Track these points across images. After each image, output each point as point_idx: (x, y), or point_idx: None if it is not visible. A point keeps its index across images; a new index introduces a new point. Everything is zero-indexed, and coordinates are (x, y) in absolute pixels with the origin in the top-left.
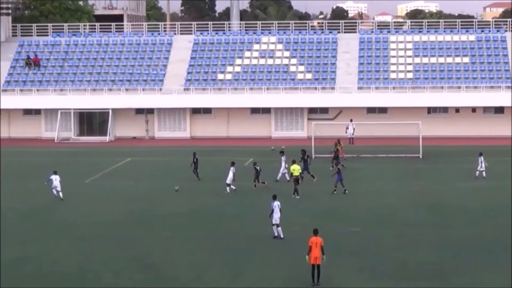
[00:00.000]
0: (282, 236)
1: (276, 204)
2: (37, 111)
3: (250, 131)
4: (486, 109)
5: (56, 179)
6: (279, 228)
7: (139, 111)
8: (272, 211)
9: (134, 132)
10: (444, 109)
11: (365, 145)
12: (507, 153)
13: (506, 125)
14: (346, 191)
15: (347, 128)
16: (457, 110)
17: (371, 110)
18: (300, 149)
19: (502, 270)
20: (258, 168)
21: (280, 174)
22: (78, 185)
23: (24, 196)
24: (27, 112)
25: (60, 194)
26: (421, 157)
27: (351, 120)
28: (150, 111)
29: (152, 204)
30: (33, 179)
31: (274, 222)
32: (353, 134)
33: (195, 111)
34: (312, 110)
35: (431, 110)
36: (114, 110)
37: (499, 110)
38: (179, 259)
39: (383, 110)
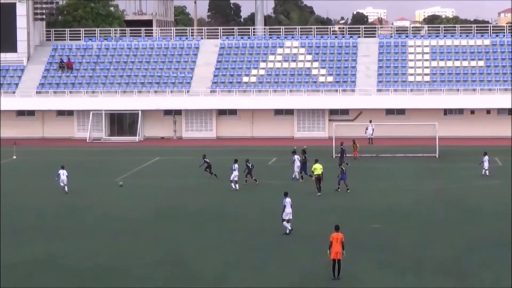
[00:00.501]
0: (287, 231)
1: (288, 200)
2: (70, 112)
3: (274, 131)
4: (500, 111)
5: (63, 174)
6: (289, 224)
7: (167, 112)
8: (284, 207)
9: (162, 133)
10: (460, 111)
11: (384, 145)
12: None
13: None
14: (348, 190)
15: (366, 128)
16: (472, 111)
17: (389, 111)
18: (302, 149)
19: None
20: (250, 165)
21: (295, 173)
22: (108, 183)
23: (57, 194)
24: (60, 113)
25: (66, 188)
26: (437, 156)
27: (370, 121)
28: (177, 112)
29: (180, 201)
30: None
31: (284, 217)
32: (372, 134)
33: (221, 112)
34: (333, 112)
35: (447, 111)
36: (143, 111)
37: None
38: (206, 255)
39: (401, 112)
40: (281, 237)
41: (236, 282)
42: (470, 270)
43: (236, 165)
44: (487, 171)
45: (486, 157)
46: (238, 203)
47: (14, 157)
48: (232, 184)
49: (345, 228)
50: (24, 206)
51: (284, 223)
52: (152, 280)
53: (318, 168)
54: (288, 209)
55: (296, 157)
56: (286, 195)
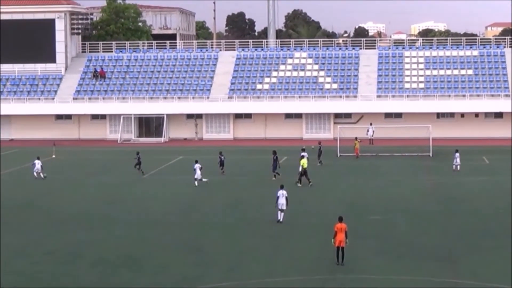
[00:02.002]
0: (280, 219)
1: (281, 192)
2: (103, 116)
3: (285, 133)
4: (487, 114)
5: (38, 163)
6: (282, 214)
7: (190, 116)
8: (277, 198)
9: (185, 134)
10: (451, 114)
11: (383, 145)
12: (506, 152)
13: (504, 128)
14: (311, 184)
15: (367, 130)
16: (462, 115)
17: (388, 115)
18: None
19: (502, 252)
20: (222, 157)
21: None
22: (137, 179)
23: (92, 188)
24: (94, 117)
25: (41, 174)
26: (431, 155)
27: (371, 124)
28: (199, 116)
29: (201, 196)
30: (100, 174)
31: (279, 207)
32: (372, 136)
33: (238, 116)
34: (337, 115)
35: (440, 115)
36: (168, 115)
37: (499, 115)
38: (222, 244)
39: (398, 115)
40: (289, 227)
41: (249, 267)
42: (459, 256)
43: (196, 165)
44: (458, 166)
45: (457, 154)
46: (252, 196)
47: (54, 156)
48: (196, 182)
49: (347, 219)
50: (64, 199)
51: (278, 212)
52: (174, 266)
53: (305, 163)
54: (281, 200)
55: (305, 154)
56: (281, 187)
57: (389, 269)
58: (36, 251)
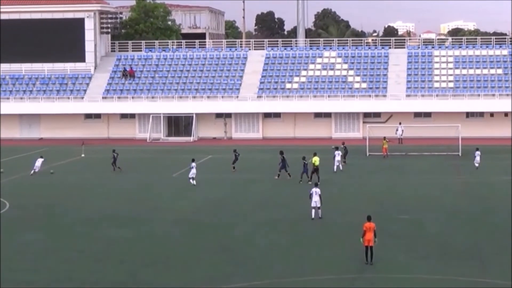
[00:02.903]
0: (312, 217)
1: (314, 190)
2: (132, 115)
3: (314, 132)
4: None
5: (38, 161)
6: (319, 210)
7: (219, 115)
8: (311, 195)
9: (214, 133)
10: (481, 114)
11: (412, 145)
12: None
13: None
14: (301, 182)
15: (396, 130)
16: (491, 114)
17: (417, 114)
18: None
19: None
20: (237, 154)
21: (335, 166)
22: (166, 178)
23: (121, 187)
24: (124, 116)
25: (37, 170)
26: (460, 155)
27: (400, 123)
28: (228, 115)
29: (230, 195)
30: (129, 173)
31: (312, 205)
32: (402, 135)
33: (267, 115)
34: (366, 115)
35: (469, 114)
36: (197, 114)
37: None
38: (252, 241)
39: (427, 115)
40: (319, 226)
41: (278, 267)
42: (489, 256)
43: (193, 164)
44: (477, 164)
45: (478, 152)
46: (281, 195)
47: (83, 155)
48: (191, 181)
49: (377, 218)
50: (93, 198)
51: (312, 210)
52: (203, 265)
53: (317, 160)
54: (315, 198)
55: (337, 152)
56: (316, 185)
57: (418, 269)
58: (66, 249)
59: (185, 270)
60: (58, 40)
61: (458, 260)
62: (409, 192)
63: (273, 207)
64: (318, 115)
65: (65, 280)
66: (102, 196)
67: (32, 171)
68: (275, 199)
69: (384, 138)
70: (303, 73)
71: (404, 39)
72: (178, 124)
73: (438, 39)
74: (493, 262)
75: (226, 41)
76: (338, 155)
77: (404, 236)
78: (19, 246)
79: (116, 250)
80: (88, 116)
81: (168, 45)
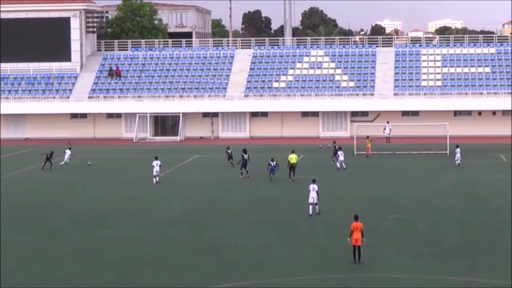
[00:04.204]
0: (310, 213)
1: (311, 186)
2: (118, 115)
3: (301, 131)
4: (504, 112)
5: (67, 153)
6: (316, 206)
7: (206, 114)
8: (309, 191)
9: (201, 133)
10: (468, 112)
11: (400, 144)
12: None
13: None
14: (271, 180)
15: (384, 129)
16: (479, 113)
17: (405, 113)
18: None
19: None
20: (229, 151)
21: (338, 165)
22: (152, 180)
23: (108, 187)
24: (110, 115)
25: (67, 161)
26: (448, 153)
27: (387, 122)
28: (215, 114)
29: (219, 195)
30: (116, 173)
31: (309, 201)
32: (389, 134)
33: (254, 114)
34: (354, 114)
35: (457, 113)
36: (184, 114)
37: None
38: (242, 241)
39: (415, 113)
40: (308, 226)
41: (268, 266)
42: (479, 255)
43: (156, 162)
44: (458, 161)
45: (458, 149)
46: (270, 195)
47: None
48: (154, 179)
49: (366, 217)
50: (80, 198)
51: (310, 206)
52: (193, 265)
53: (292, 158)
54: (312, 194)
55: (340, 152)
56: (313, 181)
57: (408, 268)
58: (55, 250)
59: (174, 270)
60: (43, 40)
61: (449, 259)
62: (398, 192)
63: (262, 207)
64: (305, 114)
65: (52, 282)
66: (89, 196)
67: (62, 163)
68: (263, 199)
69: (367, 137)
70: (290, 72)
71: (392, 38)
72: (164, 124)
73: (425, 37)
74: (484, 261)
75: (213, 40)
76: (341, 155)
77: (394, 235)
78: (6, 247)
79: (105, 251)
80: (74, 116)
81: (154, 44)
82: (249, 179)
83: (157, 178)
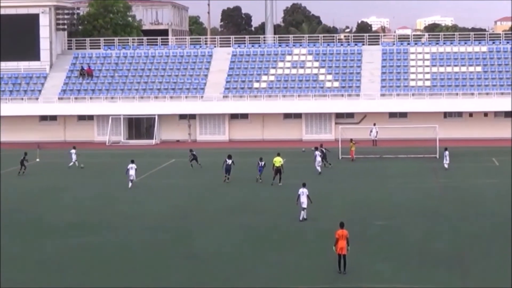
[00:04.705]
0: (300, 218)
1: (301, 191)
2: (90, 117)
3: (283, 134)
4: (497, 114)
5: (74, 153)
6: (305, 211)
7: (182, 116)
8: (298, 196)
9: (177, 136)
10: (459, 114)
11: (387, 147)
12: None
13: None
14: (260, 180)
15: (370, 131)
16: (470, 114)
17: (392, 114)
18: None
19: None
20: (194, 153)
21: (318, 168)
22: (128, 183)
23: (80, 193)
24: (81, 118)
25: (76, 163)
26: (438, 157)
27: (374, 124)
28: (192, 116)
29: (197, 200)
30: (89, 179)
31: (302, 206)
32: (376, 136)
33: (233, 116)
34: (339, 115)
35: (447, 114)
36: (159, 115)
37: (509, 114)
38: (222, 248)
39: (403, 115)
40: (291, 233)
41: (248, 276)
42: (469, 263)
43: (131, 165)
44: (446, 165)
45: (447, 153)
46: (250, 201)
47: (38, 159)
48: (130, 183)
49: (352, 225)
50: (51, 205)
51: (301, 211)
52: (169, 276)
53: (277, 161)
54: (302, 199)
55: (317, 153)
56: (303, 185)
57: (396, 277)
58: (26, 259)
59: (152, 279)
60: (10, 37)
61: (438, 268)
62: (386, 197)
63: (244, 213)
64: (287, 115)
65: None
66: (62, 202)
67: (71, 163)
68: (244, 204)
69: (351, 140)
70: (272, 71)
71: (378, 35)
72: (139, 126)
73: (414, 35)
74: (475, 270)
75: (190, 38)
76: (318, 156)
77: (381, 243)
78: None
79: (80, 259)
80: (44, 118)
81: (128, 42)
82: (231, 184)
83: (132, 183)
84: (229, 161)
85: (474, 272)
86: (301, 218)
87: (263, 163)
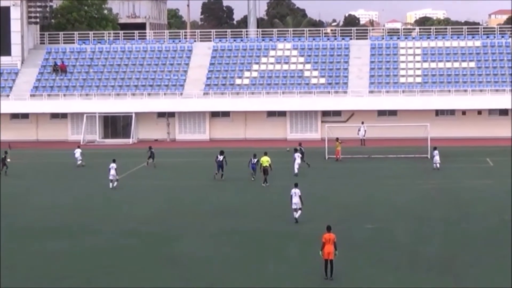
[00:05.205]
0: (297, 218)
1: (294, 191)
2: (64, 115)
3: (267, 133)
4: (491, 112)
5: (77, 152)
6: (298, 212)
7: (161, 114)
8: (291, 197)
9: (156, 135)
10: (451, 112)
11: (376, 146)
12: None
13: (510, 126)
14: (253, 179)
15: (358, 130)
16: (463, 112)
17: (381, 113)
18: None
19: (508, 263)
20: (152, 151)
21: (296, 169)
22: (103, 185)
23: (54, 195)
24: (54, 116)
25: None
26: (429, 157)
27: (362, 123)
28: (171, 114)
29: (178, 203)
30: (62, 180)
31: (293, 207)
32: (364, 135)
33: (214, 114)
34: (325, 113)
35: (439, 112)
36: (137, 113)
37: (504, 112)
38: (203, 253)
39: (393, 113)
40: (276, 236)
41: (231, 282)
42: (461, 267)
43: (112, 165)
44: (437, 165)
45: (436, 152)
46: (233, 204)
47: (8, 160)
48: (110, 184)
49: (339, 227)
50: (24, 208)
51: (293, 212)
52: (148, 283)
53: (265, 161)
54: (295, 199)
55: (297, 154)
56: (295, 186)
57: (386, 283)
58: None
59: (130, 285)
60: None
61: (430, 273)
62: (375, 199)
63: (225, 216)
64: (271, 113)
65: None
66: (34, 206)
67: (79, 162)
68: (227, 207)
69: (337, 139)
70: (255, 67)
71: (367, 29)
72: (115, 125)
73: (404, 29)
74: (468, 275)
75: (169, 32)
76: (298, 157)
77: (370, 247)
78: None
79: (54, 265)
80: (15, 116)
81: (104, 36)
82: (214, 185)
83: (115, 183)
84: (221, 157)
85: (467, 277)
86: (296, 217)
87: (256, 160)
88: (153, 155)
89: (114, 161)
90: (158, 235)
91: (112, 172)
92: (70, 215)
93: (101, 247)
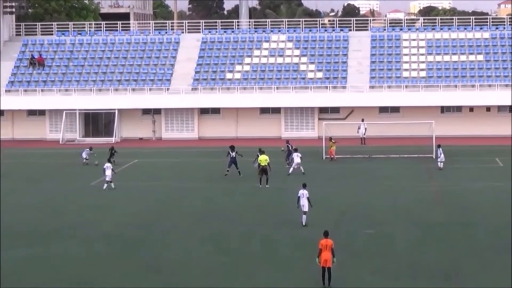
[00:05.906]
0: (303, 223)
1: (301, 193)
2: (42, 112)
3: (260, 131)
4: (500, 108)
5: (85, 153)
6: (305, 216)
7: (146, 111)
8: (298, 198)
9: (140, 133)
10: (458, 108)
11: (377, 145)
12: None
13: None
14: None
15: (358, 128)
16: (471, 109)
17: (383, 109)
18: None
19: None
20: (114, 151)
21: (292, 168)
22: (83, 187)
23: (31, 198)
24: (31, 113)
25: (85, 161)
26: (434, 157)
27: (362, 120)
28: (157, 111)
29: (162, 206)
30: (40, 182)
31: (303, 209)
32: (364, 134)
33: (203, 111)
34: (323, 110)
35: (444, 109)
36: (120, 110)
37: None
38: (189, 260)
39: (395, 110)
40: (270, 242)
41: None
42: (469, 275)
43: (107, 165)
44: (442, 164)
45: (440, 150)
46: (222, 207)
47: None
48: (105, 185)
49: (337, 232)
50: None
51: (302, 215)
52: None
53: (263, 160)
54: (302, 201)
55: (297, 154)
56: (304, 186)
57: None
58: None
59: None
60: None
61: (432, 280)
62: (374, 202)
63: (213, 220)
64: (265, 110)
65: None
66: (9, 209)
67: (84, 160)
68: (215, 210)
69: (330, 139)
70: (247, 60)
71: (367, 20)
72: (97, 122)
73: (407, 19)
74: (472, 283)
75: (154, 23)
76: (297, 157)
77: (369, 253)
78: None
79: (26, 273)
80: None
81: (84, 27)
82: (201, 186)
83: (111, 184)
84: (233, 153)
85: (471, 285)
86: (303, 223)
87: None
88: (114, 154)
89: (108, 160)
90: (139, 241)
91: (108, 172)
92: (43, 219)
93: (75, 254)
